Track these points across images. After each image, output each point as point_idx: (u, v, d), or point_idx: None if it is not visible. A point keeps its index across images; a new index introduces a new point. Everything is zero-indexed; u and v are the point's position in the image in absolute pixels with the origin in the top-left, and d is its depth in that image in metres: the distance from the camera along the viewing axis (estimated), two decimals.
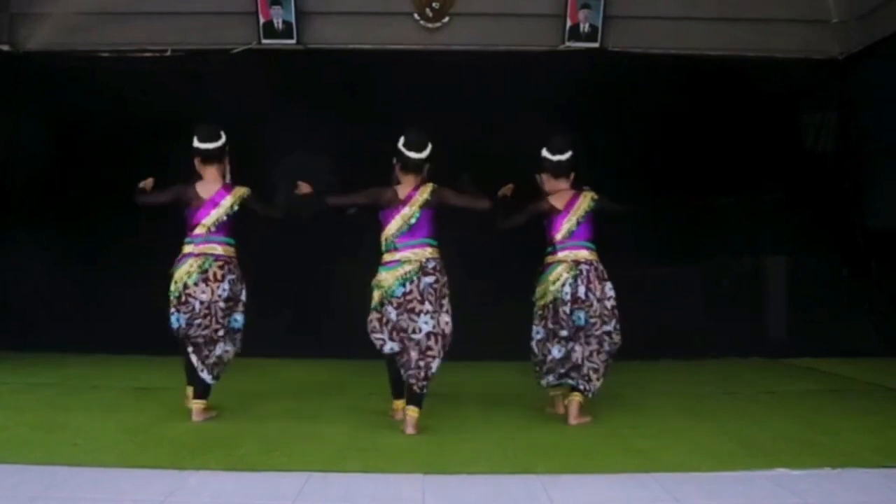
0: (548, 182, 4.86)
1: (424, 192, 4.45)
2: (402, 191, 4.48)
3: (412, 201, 4.43)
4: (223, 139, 4.73)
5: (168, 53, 7.79)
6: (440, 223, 4.56)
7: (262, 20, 7.65)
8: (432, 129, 7.41)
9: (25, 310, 7.45)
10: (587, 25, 7.75)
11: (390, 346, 4.42)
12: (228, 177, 4.81)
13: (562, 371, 4.70)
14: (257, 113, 7.47)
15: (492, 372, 6.48)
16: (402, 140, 4.53)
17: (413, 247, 4.40)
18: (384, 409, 4.88)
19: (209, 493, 3.28)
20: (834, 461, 3.72)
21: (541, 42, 7.88)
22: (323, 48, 7.86)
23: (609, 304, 4.64)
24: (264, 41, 7.71)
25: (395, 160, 4.60)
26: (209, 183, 4.67)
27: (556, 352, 4.63)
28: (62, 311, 7.49)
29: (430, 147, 4.52)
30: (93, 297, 7.41)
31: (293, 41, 7.72)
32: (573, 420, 4.59)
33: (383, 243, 4.50)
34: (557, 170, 4.80)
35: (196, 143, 4.68)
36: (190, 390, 4.73)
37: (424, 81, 7.55)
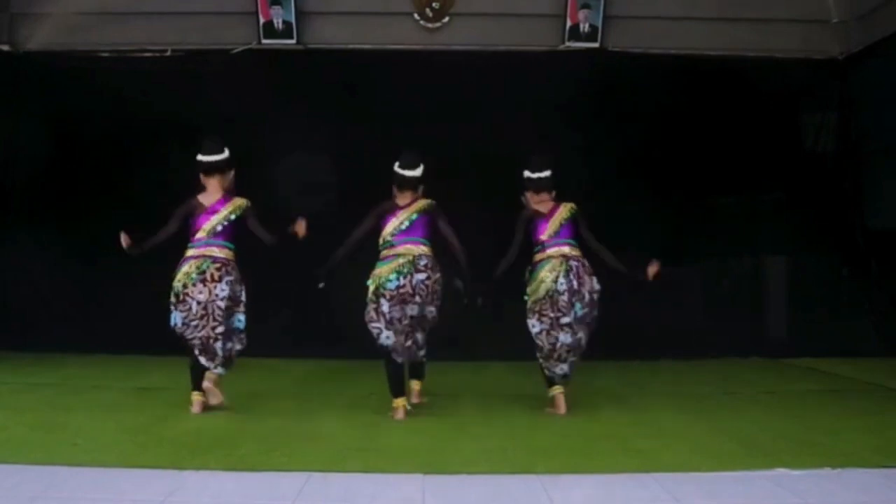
0: (531, 198, 5.20)
1: (423, 203, 4.86)
2: (401, 202, 4.88)
3: (409, 208, 4.82)
4: (225, 154, 4.99)
5: (168, 53, 7.79)
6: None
7: (262, 20, 7.66)
8: (432, 130, 7.48)
9: (25, 310, 7.46)
10: (587, 25, 7.75)
11: (386, 335, 4.67)
12: (233, 191, 5.02)
13: (573, 360, 4.91)
14: (257, 113, 7.47)
15: (492, 372, 6.48)
16: (397, 163, 4.93)
17: (407, 243, 4.74)
18: (384, 409, 4.87)
19: (209, 493, 3.28)
20: (834, 461, 3.71)
21: (541, 42, 7.89)
22: (323, 48, 7.86)
23: (596, 295, 4.97)
24: (264, 41, 7.71)
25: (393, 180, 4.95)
26: (211, 193, 4.93)
27: (565, 337, 4.84)
28: (62, 311, 7.50)
29: (422, 167, 4.91)
30: (93, 297, 7.41)
31: (293, 41, 7.72)
32: (557, 409, 4.89)
33: (381, 242, 4.82)
34: (539, 186, 5.14)
35: (199, 157, 4.96)
36: (196, 394, 4.82)
37: (424, 81, 7.54)
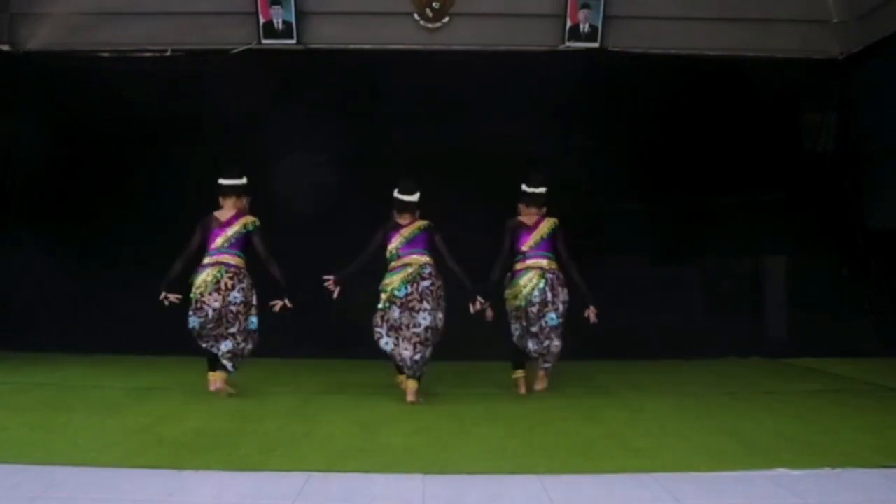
0: (523, 210, 5.66)
1: (422, 222, 5.36)
2: (402, 221, 5.37)
3: (411, 226, 5.34)
4: (243, 180, 5.53)
5: (168, 53, 7.78)
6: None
7: (262, 20, 7.66)
8: (432, 130, 7.47)
9: (25, 310, 7.45)
10: (587, 25, 7.75)
11: (385, 341, 5.20)
12: (246, 211, 5.56)
13: (547, 365, 5.55)
14: (257, 113, 7.47)
15: (491, 372, 6.47)
16: (396, 189, 5.39)
17: (413, 254, 5.25)
18: (384, 410, 4.89)
19: (209, 493, 3.28)
20: (834, 461, 3.72)
21: (541, 42, 7.88)
22: (323, 48, 7.86)
23: (565, 305, 5.43)
24: (264, 41, 7.71)
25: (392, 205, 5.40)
26: (226, 210, 5.50)
27: (532, 344, 5.44)
28: (62, 311, 7.49)
29: (419, 193, 5.36)
30: (93, 297, 7.40)
31: (293, 41, 7.72)
32: (542, 386, 5.56)
33: (388, 256, 5.30)
34: (531, 200, 5.61)
35: (219, 179, 5.51)
36: (213, 374, 5.40)
37: (424, 81, 7.55)
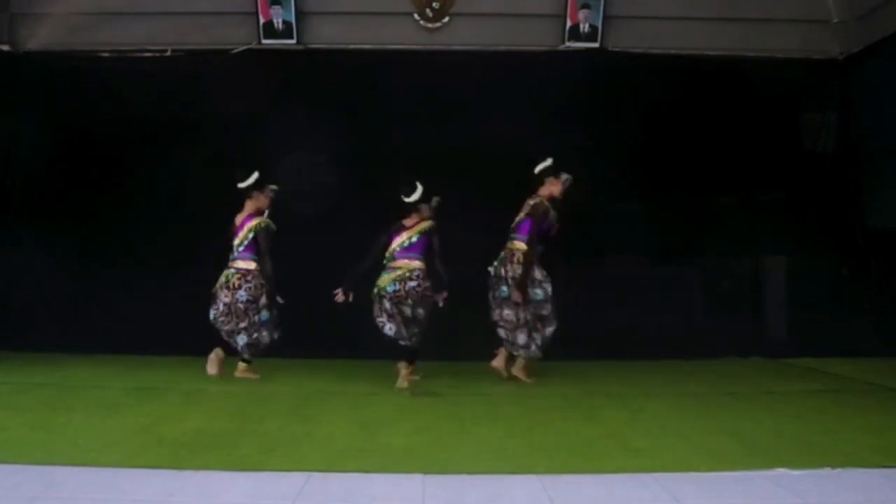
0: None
1: (424, 224, 5.84)
2: (407, 223, 5.86)
3: (413, 228, 5.83)
4: (249, 181, 5.98)
5: (168, 53, 7.79)
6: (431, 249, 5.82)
7: (262, 20, 7.66)
8: (432, 130, 7.47)
9: (25, 310, 7.45)
10: (587, 25, 7.75)
11: (389, 327, 5.76)
12: (263, 211, 6.07)
13: (502, 331, 5.88)
14: (257, 113, 7.47)
15: (491, 372, 6.48)
16: (400, 193, 5.82)
17: (407, 258, 5.78)
18: (384, 410, 4.90)
19: (209, 493, 3.28)
20: (834, 461, 3.71)
21: (541, 42, 7.88)
22: (323, 48, 7.86)
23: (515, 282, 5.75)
24: (264, 41, 7.71)
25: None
26: (244, 213, 6.05)
27: (496, 313, 5.89)
28: (62, 311, 7.49)
29: (418, 192, 5.80)
30: (93, 297, 7.40)
31: (293, 41, 7.72)
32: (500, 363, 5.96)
33: (387, 255, 5.79)
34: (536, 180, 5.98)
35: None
36: (214, 353, 5.92)
37: (424, 81, 7.55)
